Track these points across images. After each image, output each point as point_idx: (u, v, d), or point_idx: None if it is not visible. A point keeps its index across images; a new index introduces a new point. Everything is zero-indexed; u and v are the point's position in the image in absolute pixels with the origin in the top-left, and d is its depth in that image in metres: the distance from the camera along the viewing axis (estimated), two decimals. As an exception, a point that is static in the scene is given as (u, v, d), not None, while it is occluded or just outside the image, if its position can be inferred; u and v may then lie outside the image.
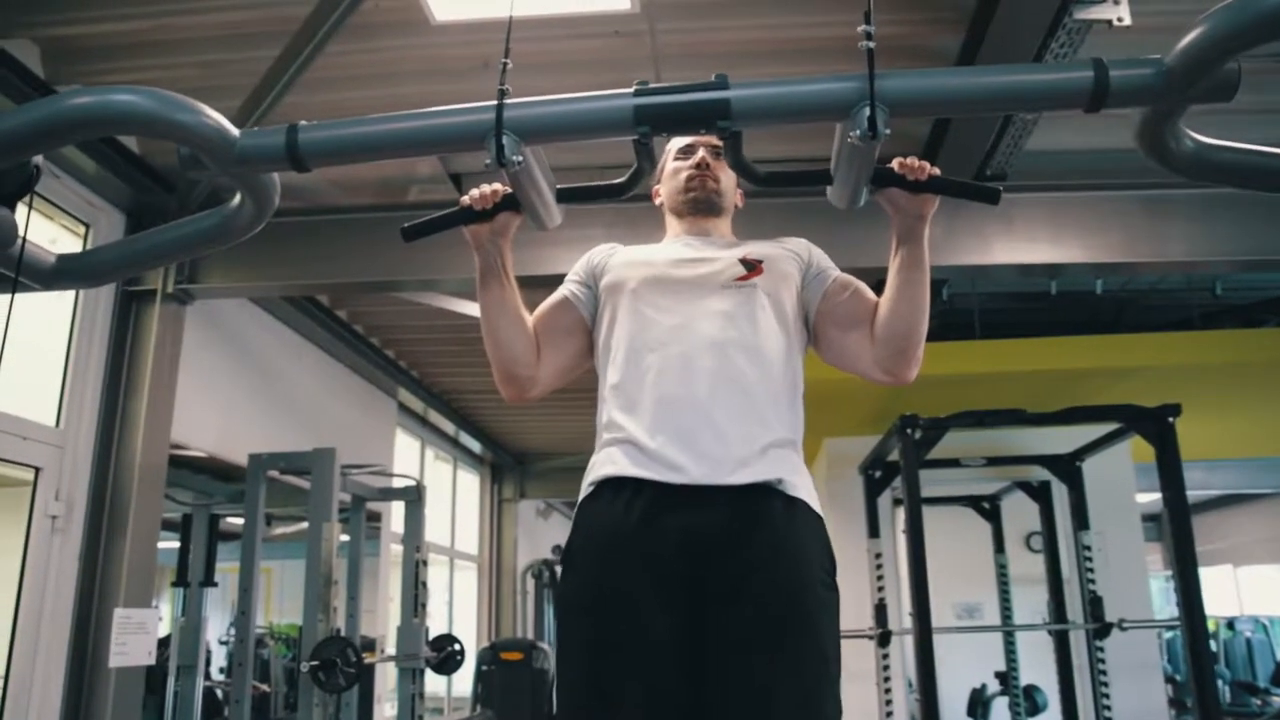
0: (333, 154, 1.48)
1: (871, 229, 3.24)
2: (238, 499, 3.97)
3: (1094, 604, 4.44)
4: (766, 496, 1.46)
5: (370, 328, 5.11)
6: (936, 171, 1.51)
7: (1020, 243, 3.26)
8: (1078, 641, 4.72)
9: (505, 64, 1.47)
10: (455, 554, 7.67)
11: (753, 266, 1.64)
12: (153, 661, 3.21)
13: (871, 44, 1.35)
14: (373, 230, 3.47)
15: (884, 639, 4.39)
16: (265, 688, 6.44)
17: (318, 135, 1.47)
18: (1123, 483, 4.91)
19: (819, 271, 1.70)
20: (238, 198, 1.60)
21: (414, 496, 4.68)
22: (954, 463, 4.31)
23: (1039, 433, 4.38)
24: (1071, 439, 4.42)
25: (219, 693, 6.15)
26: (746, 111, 1.42)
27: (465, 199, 1.58)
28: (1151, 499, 5.60)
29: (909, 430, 3.79)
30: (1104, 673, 4.40)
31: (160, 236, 1.65)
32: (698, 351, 1.54)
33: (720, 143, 1.74)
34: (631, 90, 1.45)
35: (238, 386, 4.30)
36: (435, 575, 7.28)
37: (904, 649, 4.88)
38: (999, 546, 5.69)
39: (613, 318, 1.65)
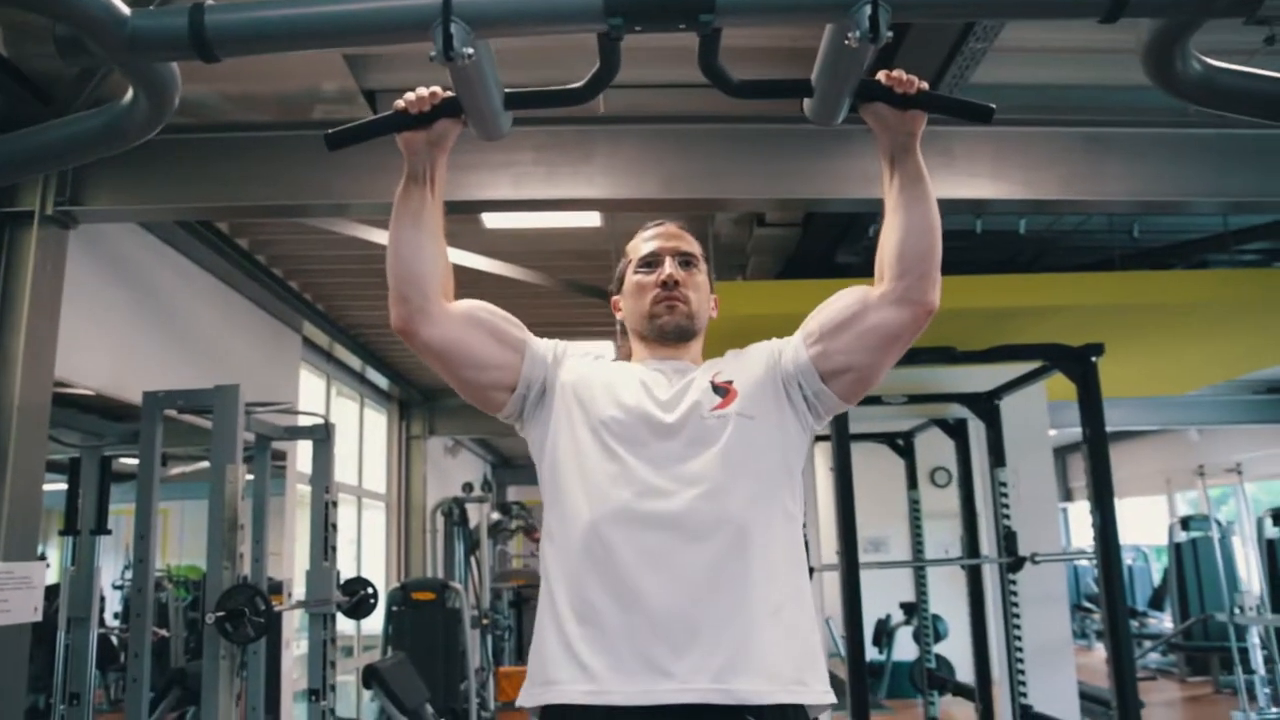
0: (248, 40, 1.26)
1: (847, 159, 3.18)
2: (132, 440, 3.67)
3: (1008, 539, 4.53)
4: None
5: (273, 258, 4.79)
6: (925, 86, 1.39)
7: (961, 177, 3.20)
8: (990, 574, 4.82)
9: (453, -54, 1.27)
10: (363, 493, 7.43)
11: (724, 391, 1.47)
12: (39, 618, 2.95)
13: None
14: (275, 150, 3.19)
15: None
16: (164, 632, 6.17)
17: (229, 17, 1.25)
18: (1037, 420, 5.01)
19: (786, 343, 1.55)
20: (130, 94, 1.36)
21: (322, 435, 4.44)
22: (876, 400, 4.28)
23: (959, 370, 4.40)
24: (991, 377, 4.45)
25: (115, 640, 5.86)
26: (733, 5, 1.26)
27: (400, 102, 1.38)
28: (1052, 434, 5.76)
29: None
30: (1016, 605, 4.51)
31: (34, 138, 1.40)
32: (681, 543, 1.36)
33: (691, 250, 1.58)
34: (600, -24, 1.27)
35: (130, 319, 3.97)
36: (343, 515, 7.04)
37: (821, 585, 4.93)
38: (912, 483, 5.79)
39: (571, 449, 1.46)
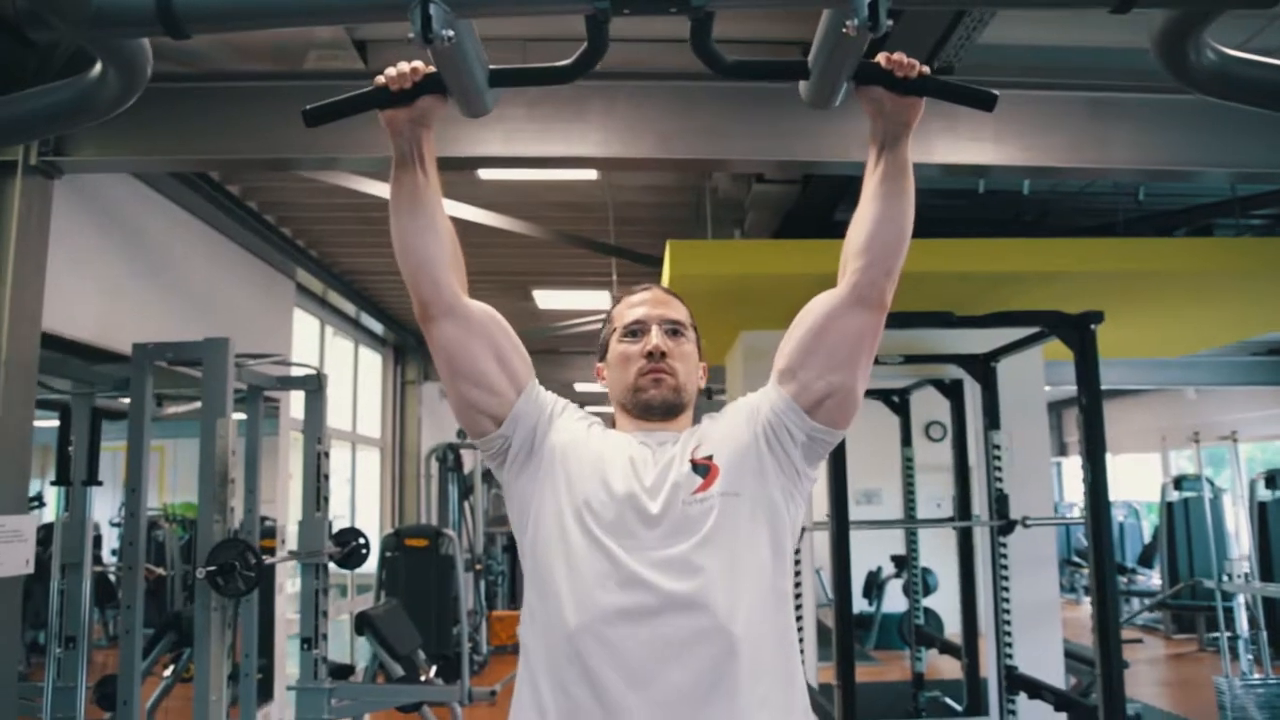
0: (218, 18, 1.21)
1: (848, 121, 3.10)
2: (123, 385, 3.65)
3: (1000, 501, 4.54)
4: None
5: (265, 204, 4.72)
6: (926, 70, 1.34)
7: (964, 142, 3.12)
8: (980, 536, 4.84)
9: (434, -86, 1.20)
10: (357, 438, 7.45)
11: (705, 470, 1.40)
12: (31, 570, 2.97)
13: None
14: (267, 101, 3.10)
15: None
16: (161, 571, 6.24)
17: (199, -7, 1.19)
18: (1033, 383, 4.99)
19: (764, 395, 1.48)
20: (98, 66, 1.31)
21: (314, 386, 4.42)
22: (875, 359, 4.26)
23: (956, 331, 4.36)
24: (988, 340, 4.42)
25: (112, 577, 5.91)
26: (727, -23, 1.20)
27: (380, 78, 1.33)
28: (1048, 389, 5.74)
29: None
30: (1005, 566, 4.54)
31: None
32: (667, 653, 1.30)
33: (678, 318, 1.51)
34: (589, -48, 1.21)
35: (119, 268, 3.93)
36: (337, 459, 7.07)
37: (811, 541, 4.94)
38: (906, 440, 5.79)
39: (554, 530, 1.39)
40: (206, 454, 3.42)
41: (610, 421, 1.58)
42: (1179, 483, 7.70)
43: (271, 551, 5.17)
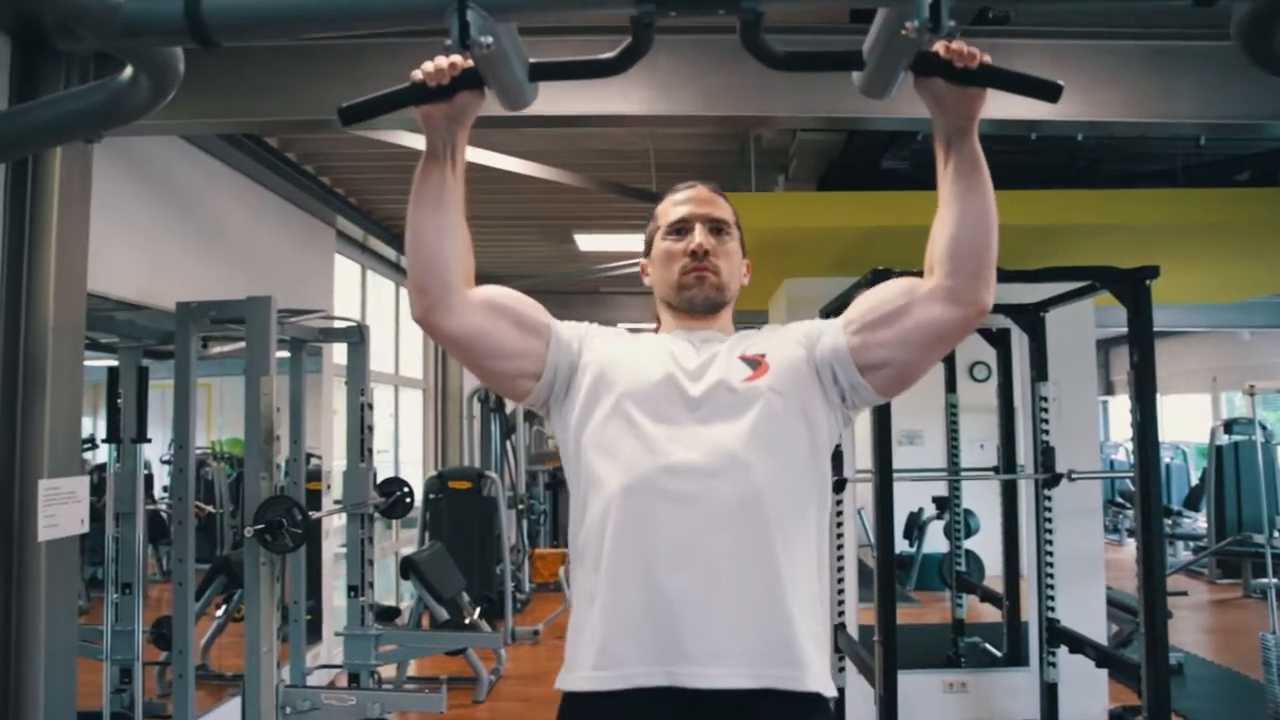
0: (247, 26, 1.17)
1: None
2: (169, 337, 3.69)
3: (1045, 454, 4.48)
4: (779, 707, 1.32)
5: (304, 155, 4.71)
6: (988, 59, 1.26)
7: (1020, 96, 2.98)
8: (1025, 487, 4.79)
9: (469, -86, 1.14)
10: (400, 380, 7.52)
11: (755, 364, 1.42)
12: (85, 529, 3.03)
13: None
14: (306, 61, 3.04)
15: (839, 485, 4.39)
16: (210, 509, 6.41)
17: (228, 2, 1.15)
18: (1082, 332, 4.87)
19: (824, 329, 1.48)
20: (129, 70, 1.28)
21: (356, 338, 4.44)
22: None
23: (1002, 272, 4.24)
24: (1037, 289, 4.31)
25: (165, 515, 6.09)
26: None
27: (417, 73, 1.29)
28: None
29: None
30: (1049, 519, 4.49)
31: (31, 116, 1.33)
32: (705, 540, 1.34)
33: (722, 216, 1.50)
34: (634, -50, 1.14)
35: (161, 225, 3.94)
36: (380, 402, 7.16)
37: (854, 485, 4.92)
38: (951, 386, 5.71)
39: (595, 430, 1.42)
40: (251, 411, 3.47)
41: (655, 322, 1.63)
42: (1229, 426, 7.54)
43: (318, 495, 5.30)
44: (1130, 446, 4.40)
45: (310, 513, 3.51)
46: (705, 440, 1.37)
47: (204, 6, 1.13)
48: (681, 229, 1.53)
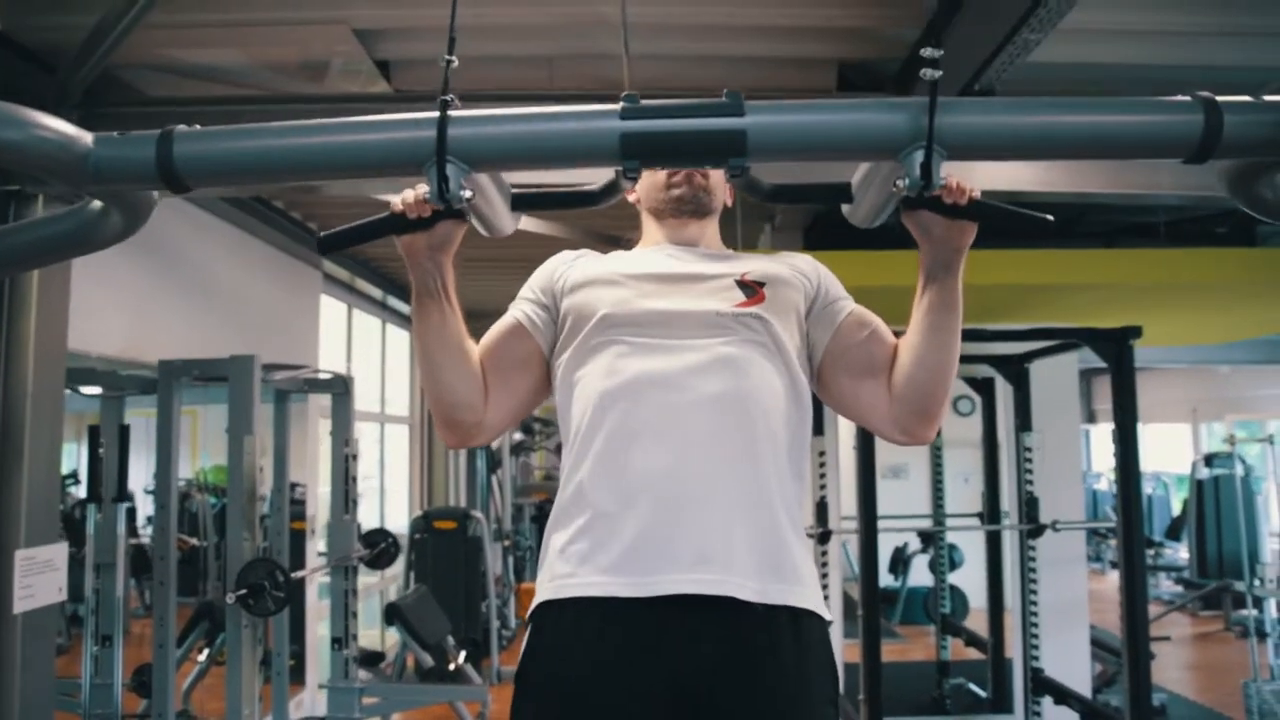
0: (222, 173, 1.16)
1: None
2: (152, 387, 3.66)
3: (1030, 505, 4.49)
4: (776, 620, 1.23)
5: (290, 203, 4.68)
6: (977, 195, 1.25)
7: (1002, 166, 3.01)
8: (1009, 536, 4.80)
9: (449, 62, 1.13)
10: (386, 418, 7.49)
11: (753, 291, 1.37)
12: (64, 598, 3.00)
13: (937, 73, 1.07)
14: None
15: (824, 538, 4.38)
16: (194, 541, 6.34)
17: (201, 148, 1.15)
18: (1066, 384, 4.90)
19: (830, 301, 1.43)
20: (98, 204, 1.27)
21: (341, 389, 4.42)
22: None
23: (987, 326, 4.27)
24: (1022, 342, 4.34)
25: (148, 550, 6.00)
26: (766, 146, 1.13)
27: (396, 202, 1.28)
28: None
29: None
30: (1034, 570, 4.51)
31: (-1, 244, 1.31)
32: (689, 421, 1.27)
33: None
34: (617, 109, 1.14)
35: (143, 277, 3.91)
36: (366, 439, 7.12)
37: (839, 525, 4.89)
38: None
39: (578, 355, 1.37)
40: (235, 470, 3.44)
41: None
42: (1210, 460, 7.59)
43: (302, 537, 5.26)
44: (1112, 477, 4.44)
45: (293, 573, 3.48)
46: (691, 351, 1.32)
47: (176, 156, 1.13)
48: None
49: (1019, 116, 1.15)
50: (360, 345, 6.99)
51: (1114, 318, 5.02)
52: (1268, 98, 1.14)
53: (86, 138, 1.13)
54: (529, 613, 1.32)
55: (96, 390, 3.99)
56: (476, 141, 1.12)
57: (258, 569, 3.29)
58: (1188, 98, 1.15)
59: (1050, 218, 1.29)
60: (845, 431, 5.14)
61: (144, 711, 4.20)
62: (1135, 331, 3.56)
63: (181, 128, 1.16)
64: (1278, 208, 1.22)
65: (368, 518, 7.04)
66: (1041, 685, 4.34)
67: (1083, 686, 4.65)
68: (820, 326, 1.43)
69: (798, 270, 1.47)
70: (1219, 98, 1.13)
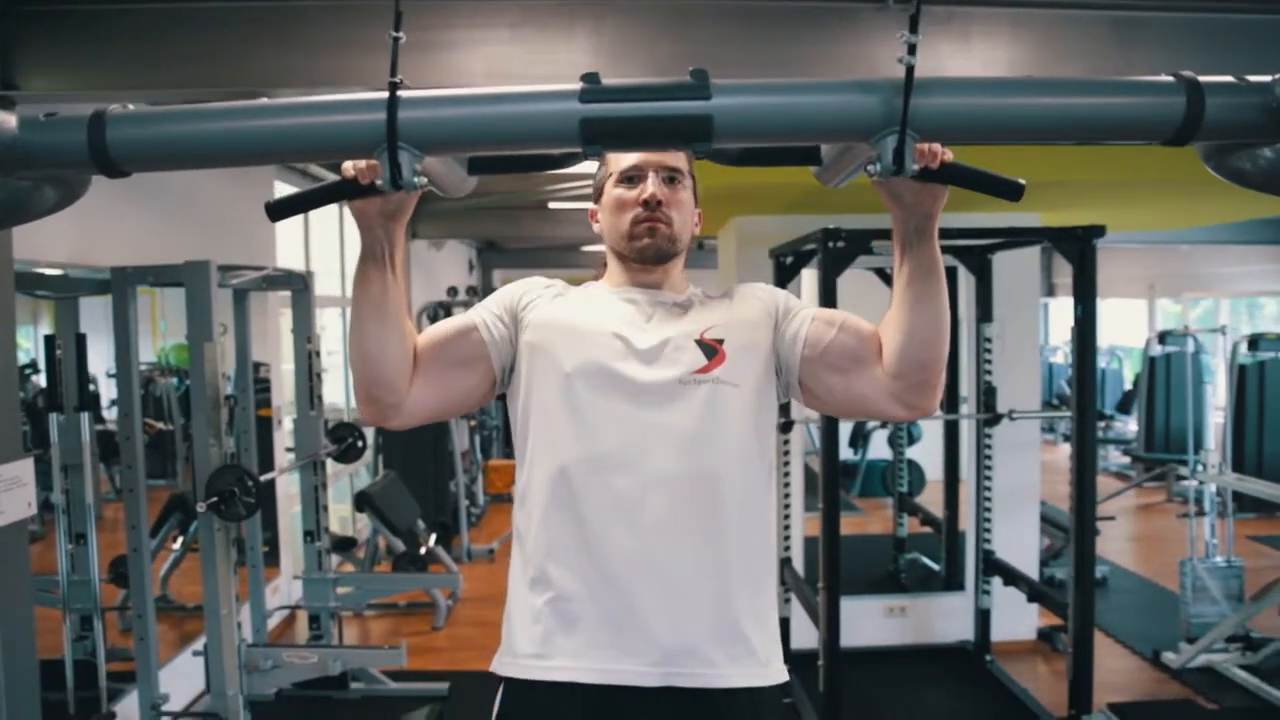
0: (157, 158, 1.11)
1: (860, 46, 2.92)
2: (105, 289, 3.57)
3: (988, 395, 4.59)
4: (735, 702, 1.32)
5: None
6: (949, 156, 1.22)
7: (976, 66, 2.93)
8: (966, 424, 4.93)
9: (397, 39, 1.06)
10: (347, 301, 7.39)
11: (713, 352, 1.38)
12: (34, 511, 3.01)
13: (913, 59, 1.02)
14: (239, 25, 2.87)
15: (786, 427, 4.47)
16: (161, 425, 6.33)
17: (135, 133, 1.08)
18: (1028, 273, 4.93)
19: (792, 315, 1.44)
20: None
21: (300, 285, 4.36)
22: (867, 249, 4.13)
23: (951, 221, 4.23)
24: (986, 239, 4.33)
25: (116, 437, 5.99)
26: (733, 129, 1.09)
27: (348, 167, 1.23)
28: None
29: (831, 243, 3.64)
30: (989, 456, 4.65)
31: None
32: (651, 504, 1.32)
33: (675, 165, 1.43)
34: (577, 90, 1.08)
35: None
36: (330, 325, 7.06)
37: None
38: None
39: (541, 412, 1.39)
40: (197, 378, 3.42)
41: (600, 269, 1.62)
42: (1163, 338, 7.76)
43: (269, 425, 5.28)
44: (1069, 351, 4.52)
45: (262, 476, 3.51)
46: (652, 428, 1.35)
47: (110, 140, 1.06)
48: (634, 176, 1.48)
49: (995, 99, 1.11)
50: (318, 229, 6.83)
51: (1078, 212, 5.02)
52: (1251, 78, 1.11)
53: (11, 120, 1.06)
54: (499, 697, 1.38)
55: (48, 294, 3.90)
56: (429, 125, 1.07)
57: (227, 476, 3.31)
58: (1170, 78, 1.11)
59: (1022, 182, 1.27)
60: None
61: (123, 602, 4.30)
62: (1099, 231, 3.56)
63: (114, 108, 1.08)
64: (1257, 179, 1.20)
65: (333, 392, 7.05)
66: (992, 567, 4.55)
67: (1031, 565, 4.88)
68: (789, 342, 1.44)
69: (758, 299, 1.49)
70: (1201, 78, 1.10)
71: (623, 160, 1.49)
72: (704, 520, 1.34)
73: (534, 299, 1.48)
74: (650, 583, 1.31)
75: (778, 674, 1.40)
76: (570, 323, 1.43)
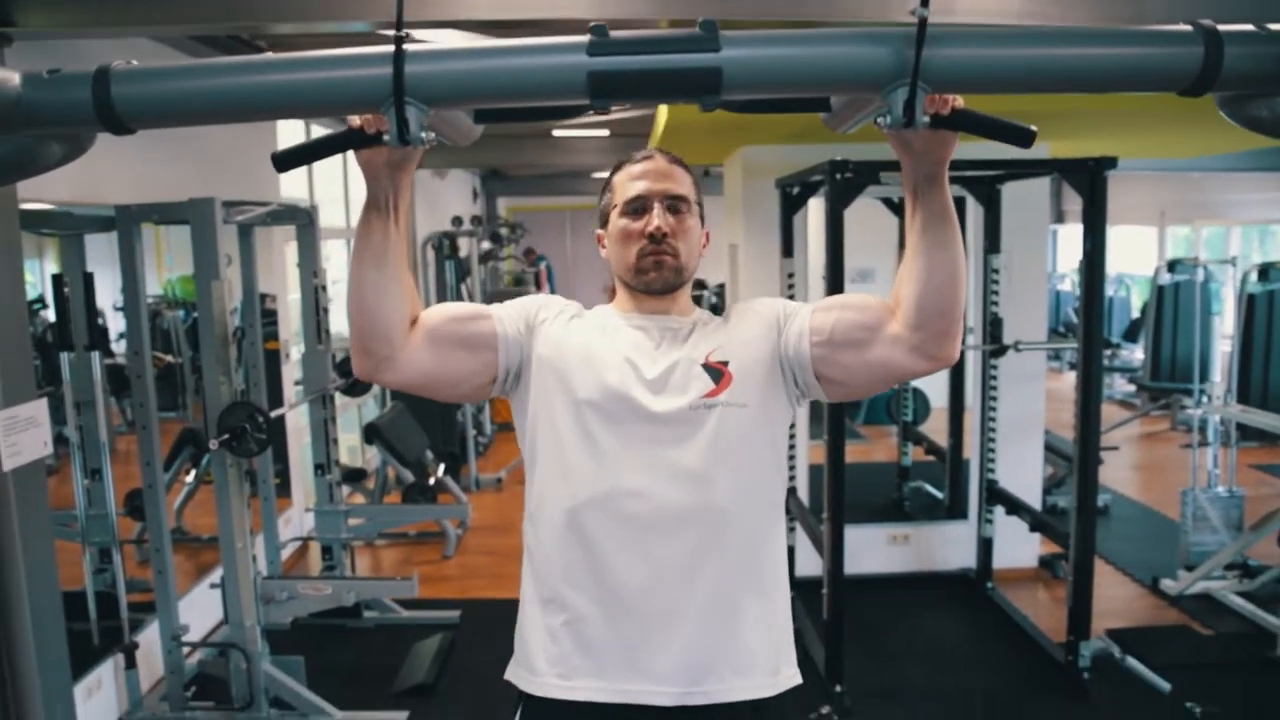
0: (163, 114, 1.09)
1: None
2: (110, 225, 3.56)
3: (994, 326, 4.59)
4: (739, 715, 1.38)
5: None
6: (960, 103, 1.21)
7: (988, 3, 2.86)
8: (972, 355, 4.93)
9: (402, -4, 1.04)
10: (352, 233, 7.36)
11: (719, 375, 1.40)
12: (50, 450, 3.05)
13: (926, 10, 1.00)
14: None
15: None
16: (170, 358, 6.38)
17: (140, 89, 1.07)
18: (1037, 204, 4.88)
19: (793, 318, 1.45)
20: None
21: (305, 220, 4.34)
22: (875, 180, 4.09)
23: (960, 152, 4.18)
24: (995, 169, 4.27)
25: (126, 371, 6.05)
26: (743, 81, 1.07)
27: (355, 118, 1.23)
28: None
29: (838, 175, 3.60)
30: (994, 387, 4.67)
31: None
32: (663, 532, 1.36)
33: (681, 192, 1.44)
34: (584, 42, 1.07)
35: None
36: (335, 256, 7.04)
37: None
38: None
39: (552, 433, 1.42)
40: (205, 316, 3.42)
41: (610, 292, 1.64)
42: (1172, 266, 7.70)
43: (277, 359, 5.32)
44: (1076, 279, 4.47)
45: (272, 412, 3.54)
46: (662, 455, 1.38)
47: (115, 96, 1.05)
48: (639, 207, 1.48)
49: (1007, 50, 1.09)
50: (325, 163, 6.75)
51: (1088, 142, 4.94)
52: (1272, 26, 1.08)
53: (14, 78, 1.05)
54: (519, 713, 1.44)
55: (53, 231, 3.89)
56: (436, 80, 1.05)
57: (238, 413, 3.35)
58: (1188, 26, 1.08)
59: (1034, 129, 1.25)
60: (815, 246, 5.10)
61: (139, 535, 4.39)
62: (1110, 162, 3.52)
63: (118, 64, 1.07)
64: (1275, 127, 1.18)
65: (339, 323, 7.07)
66: (995, 496, 4.60)
67: (1034, 494, 4.94)
68: (795, 340, 1.44)
69: (757, 314, 1.50)
70: (1220, 26, 1.07)
71: (627, 189, 1.49)
72: (715, 548, 1.37)
73: (551, 315, 1.50)
74: (663, 608, 1.35)
75: (786, 681, 1.44)
76: (584, 347, 1.45)
